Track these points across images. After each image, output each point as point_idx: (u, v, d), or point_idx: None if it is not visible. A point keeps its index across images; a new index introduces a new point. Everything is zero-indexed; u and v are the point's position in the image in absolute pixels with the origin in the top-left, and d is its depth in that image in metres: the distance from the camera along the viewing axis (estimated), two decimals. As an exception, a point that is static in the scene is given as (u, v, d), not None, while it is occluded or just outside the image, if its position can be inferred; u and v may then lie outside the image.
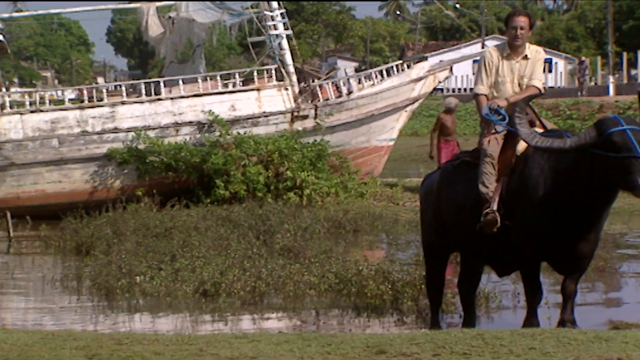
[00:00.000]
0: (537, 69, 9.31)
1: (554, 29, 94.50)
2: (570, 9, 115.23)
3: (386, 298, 11.41)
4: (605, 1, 71.94)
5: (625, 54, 60.38)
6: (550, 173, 8.48)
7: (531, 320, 8.75)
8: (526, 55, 9.24)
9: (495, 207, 8.70)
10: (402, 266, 12.50)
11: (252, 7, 24.57)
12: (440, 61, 29.21)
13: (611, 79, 55.87)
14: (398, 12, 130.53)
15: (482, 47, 66.11)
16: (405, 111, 24.87)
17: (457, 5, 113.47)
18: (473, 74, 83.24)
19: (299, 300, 11.87)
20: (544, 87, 9.68)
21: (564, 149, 8.15)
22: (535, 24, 9.32)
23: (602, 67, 66.46)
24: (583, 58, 51.89)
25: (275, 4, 24.14)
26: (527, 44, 9.30)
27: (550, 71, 72.72)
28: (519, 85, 9.21)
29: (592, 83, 67.53)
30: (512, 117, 8.48)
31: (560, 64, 76.80)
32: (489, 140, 8.94)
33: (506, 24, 9.30)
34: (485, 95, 9.23)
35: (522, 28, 9.14)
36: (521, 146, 8.79)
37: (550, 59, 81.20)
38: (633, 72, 64.80)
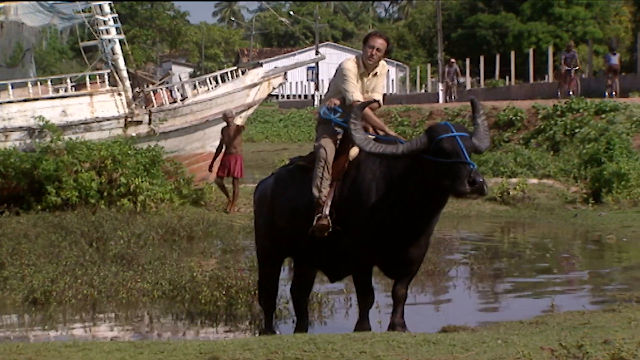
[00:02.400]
0: (380, 82, 9.43)
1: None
2: (401, 17, 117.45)
3: (220, 304, 11.41)
4: (434, 10, 73.51)
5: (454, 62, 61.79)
6: (382, 178, 8.63)
7: (363, 324, 8.88)
8: (376, 73, 9.37)
9: (327, 211, 8.80)
10: (236, 272, 12.52)
11: (84, 11, 24.17)
12: (275, 67, 29.30)
13: (440, 86, 57.13)
14: (233, 18, 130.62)
15: (316, 54, 66.72)
16: (240, 117, 24.89)
17: (292, 12, 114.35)
18: (307, 80, 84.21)
19: (132, 307, 11.76)
20: (384, 96, 9.84)
21: (397, 155, 8.32)
22: (392, 50, 9.45)
23: (432, 75, 67.92)
24: (452, 60, 50.26)
25: (107, 8, 23.83)
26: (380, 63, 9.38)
27: (382, 78, 73.69)
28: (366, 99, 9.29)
29: (422, 90, 69.03)
30: (348, 123, 8.60)
31: (392, 71, 78.13)
32: (324, 145, 9.04)
33: (365, 41, 9.31)
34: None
35: (378, 50, 9.20)
36: (354, 151, 8.93)
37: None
38: (462, 79, 66.44)
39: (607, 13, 72.10)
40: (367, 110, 9.04)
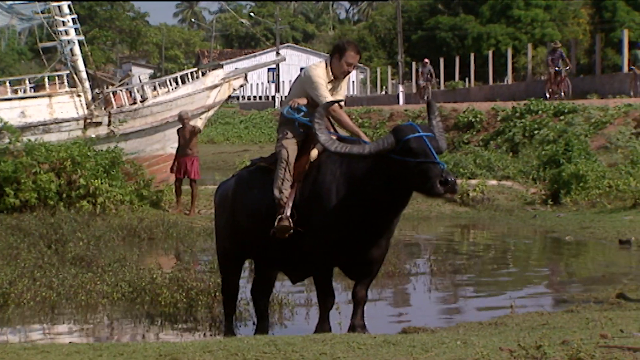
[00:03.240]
0: (344, 84, 9.48)
1: (345, 38, 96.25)
2: (361, 19, 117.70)
3: (180, 306, 11.38)
4: (395, 12, 73.73)
5: (414, 64, 62.04)
6: (343, 179, 8.64)
7: (323, 325, 8.88)
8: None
9: (288, 212, 8.80)
10: (196, 274, 12.48)
11: (43, 12, 24.04)
12: (236, 69, 29.31)
13: (401, 88, 57.33)
14: (193, 19, 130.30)
15: (277, 55, 66.67)
16: (201, 119, 24.85)
17: (252, 14, 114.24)
18: (268, 81, 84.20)
19: (92, 309, 11.69)
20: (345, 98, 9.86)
21: (363, 155, 8.32)
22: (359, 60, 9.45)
23: (392, 77, 68.11)
24: (426, 60, 48.29)
25: (66, 9, 23.72)
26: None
27: (342, 80, 73.85)
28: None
29: (383, 92, 69.20)
30: (312, 123, 8.58)
31: (353, 73, 78.19)
32: (286, 146, 9.05)
33: (339, 52, 9.23)
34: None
35: (352, 65, 9.24)
36: (315, 152, 8.94)
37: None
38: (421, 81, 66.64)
39: (565, 15, 72.63)
40: (341, 114, 9.08)
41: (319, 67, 9.27)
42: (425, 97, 44.85)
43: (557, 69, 35.57)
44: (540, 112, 30.40)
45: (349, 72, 9.28)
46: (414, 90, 58.84)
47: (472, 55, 53.29)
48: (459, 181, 22.09)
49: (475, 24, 72.41)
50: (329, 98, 9.07)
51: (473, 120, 33.46)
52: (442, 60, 55.51)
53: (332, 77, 9.24)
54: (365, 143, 8.53)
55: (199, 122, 24.86)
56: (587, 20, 71.71)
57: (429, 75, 46.56)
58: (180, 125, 21.05)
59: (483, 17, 72.45)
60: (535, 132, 28.94)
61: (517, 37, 69.08)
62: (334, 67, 9.24)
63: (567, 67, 36.09)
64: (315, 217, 8.73)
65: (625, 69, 38.19)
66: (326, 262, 8.87)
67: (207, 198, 20.79)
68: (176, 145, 21.23)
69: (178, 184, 20.83)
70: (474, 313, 11.40)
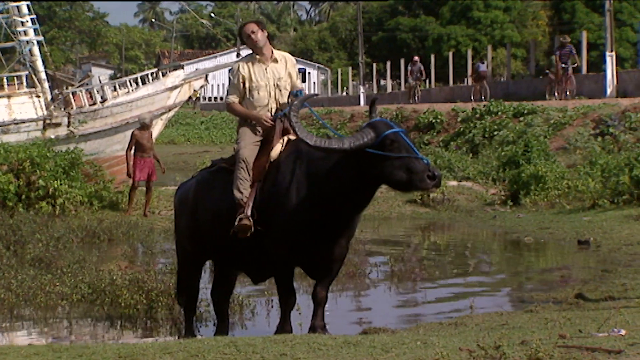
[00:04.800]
0: (294, 74, 9.48)
1: (307, 39, 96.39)
2: (322, 20, 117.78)
3: (140, 307, 11.32)
4: (355, 13, 73.87)
5: (375, 65, 62.27)
6: (303, 178, 8.63)
7: (284, 325, 8.88)
8: (276, 59, 9.39)
9: (249, 212, 8.79)
10: (156, 275, 12.45)
11: (1, 12, 23.89)
12: (196, 70, 29.31)
13: (362, 89, 57.47)
14: (154, 20, 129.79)
15: (238, 56, 66.58)
16: (161, 119, 24.80)
17: (213, 15, 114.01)
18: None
19: (51, 311, 11.62)
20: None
21: (343, 149, 8.28)
22: (265, 28, 9.49)
23: (353, 78, 68.24)
24: (416, 58, 45.16)
25: (25, 9, 23.59)
26: (272, 49, 9.44)
27: (304, 81, 74.17)
28: (277, 86, 9.31)
29: (344, 93, 69.31)
30: (289, 117, 8.56)
31: (314, 74, 78.38)
32: (244, 146, 9.04)
33: (241, 38, 9.42)
34: (239, 103, 9.32)
35: (254, 32, 9.26)
36: (275, 152, 8.94)
37: (304, 69, 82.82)
38: (382, 82, 66.93)
39: (525, 17, 73.10)
40: (236, 107, 9.30)
41: (238, 63, 9.43)
42: (416, 98, 43.40)
43: (563, 65, 33.35)
44: (499, 113, 30.59)
45: (259, 39, 9.23)
46: (375, 91, 58.96)
47: (432, 57, 53.49)
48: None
49: (436, 26, 72.70)
50: (230, 96, 9.33)
51: (433, 121, 33.59)
52: (402, 62, 55.68)
53: (257, 58, 9.30)
54: (342, 138, 8.49)
55: (159, 123, 24.79)
56: (546, 22, 72.29)
57: (418, 74, 44.01)
58: (139, 127, 20.90)
59: (443, 18, 72.76)
60: (495, 133, 29.11)
61: (477, 38, 69.45)
62: (251, 47, 9.31)
63: (575, 64, 34.27)
64: (275, 216, 8.73)
65: (584, 70, 38.52)
66: (286, 261, 8.86)
67: (167, 199, 20.73)
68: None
69: (137, 185, 20.69)
70: (434, 313, 11.44)
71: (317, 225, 8.59)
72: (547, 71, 37.61)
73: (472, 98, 38.36)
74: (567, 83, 33.59)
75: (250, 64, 9.30)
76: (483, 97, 35.24)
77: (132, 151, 20.63)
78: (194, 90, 26.35)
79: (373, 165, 8.23)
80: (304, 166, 8.68)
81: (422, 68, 44.02)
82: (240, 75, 9.26)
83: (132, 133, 20.87)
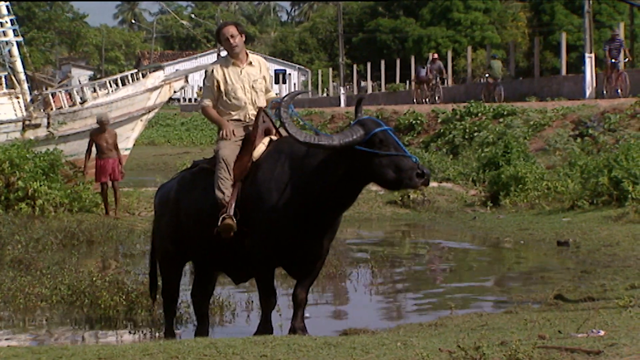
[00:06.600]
0: (268, 78, 9.55)
1: (287, 40, 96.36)
2: (302, 21, 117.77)
3: (120, 309, 11.31)
4: (336, 14, 73.92)
5: (355, 66, 62.29)
6: (284, 178, 8.63)
7: (265, 326, 8.88)
8: (251, 62, 9.41)
9: (232, 212, 8.78)
10: (136, 276, 12.42)
11: (-20, 13, 23.80)
12: (176, 71, 29.31)
13: (342, 90, 57.47)
14: (134, 21, 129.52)
15: (218, 57, 66.54)
16: (141, 120, 24.77)
17: (193, 16, 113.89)
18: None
19: (30, 313, 11.59)
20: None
21: (332, 146, 8.28)
22: (244, 31, 9.53)
23: (333, 79, 68.25)
24: (435, 55, 42.88)
25: (4, 10, 23.52)
26: (247, 52, 9.48)
27: (284, 82, 74.10)
28: (253, 88, 9.34)
29: (325, 94, 69.29)
30: (279, 115, 8.55)
31: (294, 75, 78.31)
32: (225, 146, 9.04)
33: (219, 39, 9.48)
34: (214, 107, 9.35)
35: (232, 36, 9.29)
36: (257, 152, 8.94)
37: (285, 70, 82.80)
38: (363, 83, 66.96)
39: (504, 18, 73.29)
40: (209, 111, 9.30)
41: (213, 66, 9.47)
42: (436, 98, 40.07)
43: (612, 61, 30.59)
44: (479, 114, 30.69)
45: (237, 43, 9.29)
46: (355, 92, 58.88)
47: (412, 58, 53.55)
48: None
49: (416, 27, 72.83)
50: (204, 100, 9.35)
51: (414, 122, 33.65)
52: (383, 63, 55.71)
53: (231, 62, 9.35)
54: (331, 135, 8.49)
55: (139, 124, 24.74)
56: (525, 24, 72.47)
57: (437, 73, 40.85)
58: (96, 128, 20.67)
59: (423, 20, 72.90)
60: (475, 134, 29.20)
61: (457, 39, 69.57)
62: (228, 50, 9.37)
63: (627, 59, 31.47)
64: (256, 216, 8.73)
65: (564, 71, 38.68)
66: (267, 261, 8.86)
67: (147, 200, 20.67)
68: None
69: (106, 187, 20.53)
70: (414, 314, 11.48)
71: (300, 224, 8.59)
72: (487, 75, 38.59)
73: (415, 101, 39.75)
74: (617, 80, 30.61)
75: (224, 67, 9.32)
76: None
77: (93, 154, 20.45)
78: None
79: (361, 163, 8.24)
80: (286, 165, 8.69)
81: (441, 66, 41.61)
82: (214, 78, 9.28)
83: (90, 134, 20.66)
